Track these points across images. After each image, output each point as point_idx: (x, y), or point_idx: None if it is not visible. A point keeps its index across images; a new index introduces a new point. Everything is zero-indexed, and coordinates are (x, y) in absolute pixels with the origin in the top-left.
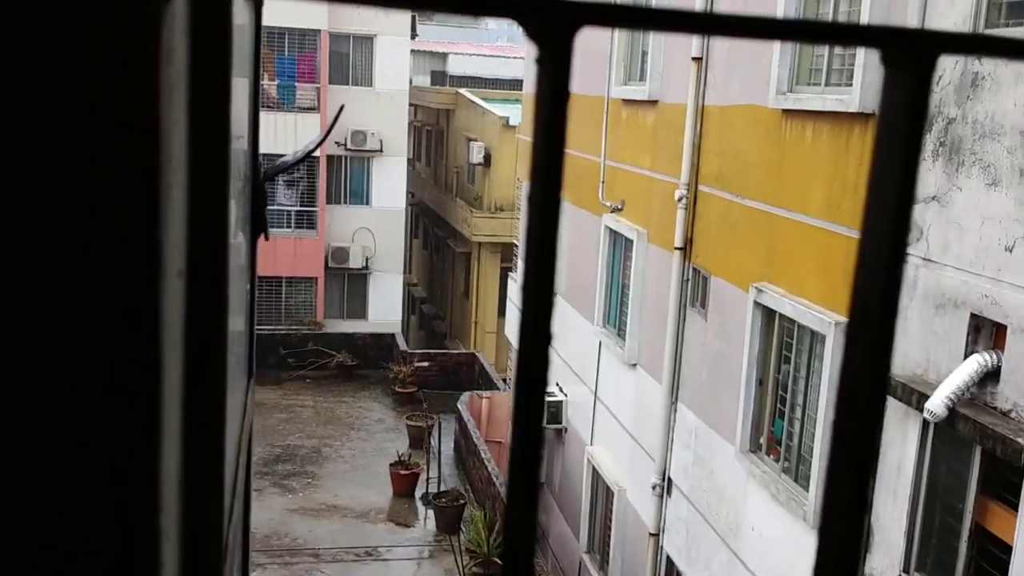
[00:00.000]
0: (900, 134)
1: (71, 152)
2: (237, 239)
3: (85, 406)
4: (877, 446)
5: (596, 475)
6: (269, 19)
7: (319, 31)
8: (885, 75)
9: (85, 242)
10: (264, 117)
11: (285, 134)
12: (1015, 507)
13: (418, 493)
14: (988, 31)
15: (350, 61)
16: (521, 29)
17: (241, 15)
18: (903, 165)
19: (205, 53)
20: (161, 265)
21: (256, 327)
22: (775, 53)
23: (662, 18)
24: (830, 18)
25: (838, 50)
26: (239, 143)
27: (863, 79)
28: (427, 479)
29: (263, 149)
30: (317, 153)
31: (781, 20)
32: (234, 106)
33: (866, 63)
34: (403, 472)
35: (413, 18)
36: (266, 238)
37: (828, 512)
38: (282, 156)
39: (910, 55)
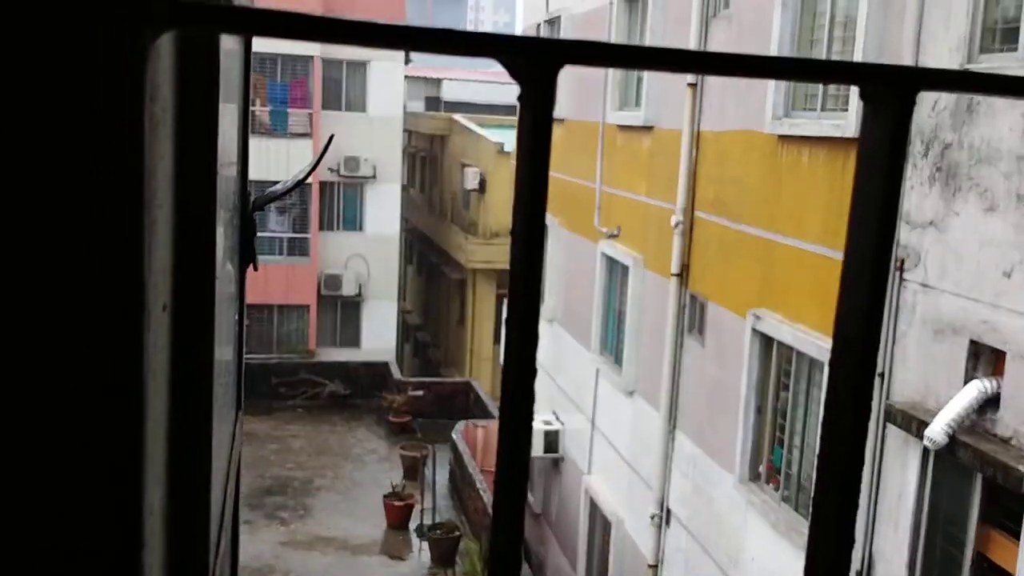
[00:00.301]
0: (880, 169)
1: (54, 188)
2: (225, 269)
3: (67, 440)
4: (861, 466)
5: (593, 505)
6: (262, 45)
7: (312, 57)
8: (865, 111)
9: (67, 277)
10: (256, 143)
11: (277, 160)
12: (1017, 536)
13: (412, 525)
14: (983, 55)
15: (343, 87)
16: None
17: (230, 41)
18: (883, 198)
19: (192, 89)
20: (144, 300)
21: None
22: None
23: (644, 56)
24: (825, 44)
25: None
26: (228, 171)
27: (859, 104)
28: (421, 510)
29: (255, 175)
30: (310, 180)
31: (761, 57)
32: (223, 134)
33: None
34: (397, 503)
35: None
36: (255, 268)
37: (816, 534)
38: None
39: (889, 91)
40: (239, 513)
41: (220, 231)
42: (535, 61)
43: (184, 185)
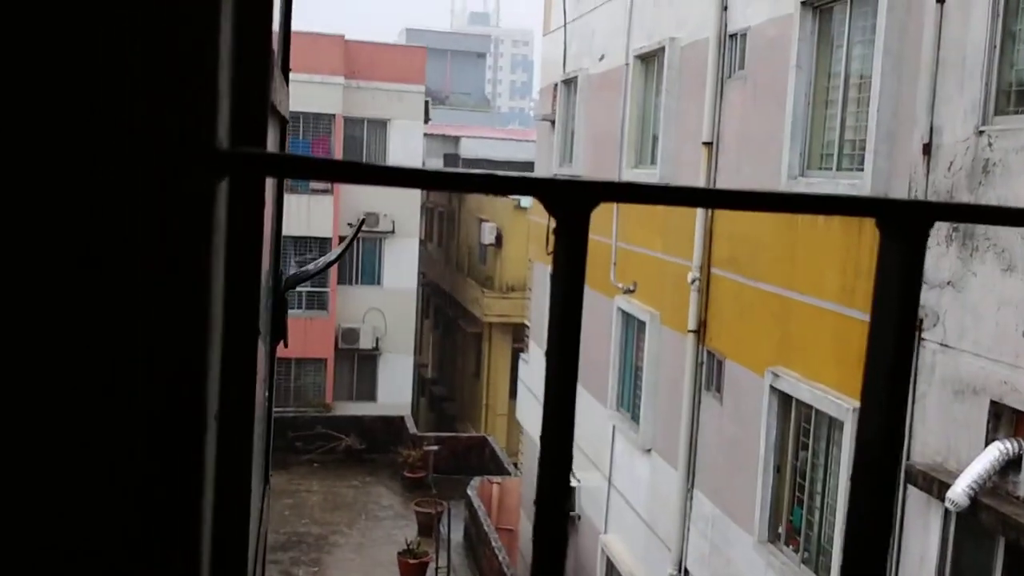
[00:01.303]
0: (895, 294)
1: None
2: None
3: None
4: (888, 537)
5: (610, 565)
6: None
7: (334, 115)
8: (880, 239)
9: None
10: None
11: (298, 216)
12: None
13: None
14: (998, 117)
15: (364, 144)
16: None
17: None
18: (898, 324)
19: (244, 221)
20: (206, 414)
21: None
22: (786, 138)
23: (670, 194)
24: (840, 105)
25: (848, 135)
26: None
27: (874, 164)
28: (436, 568)
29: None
30: (329, 234)
31: (780, 194)
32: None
33: (876, 148)
34: (411, 561)
35: (426, 103)
36: (285, 345)
37: None
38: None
39: (904, 223)
40: None
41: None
42: (571, 199)
43: (231, 305)
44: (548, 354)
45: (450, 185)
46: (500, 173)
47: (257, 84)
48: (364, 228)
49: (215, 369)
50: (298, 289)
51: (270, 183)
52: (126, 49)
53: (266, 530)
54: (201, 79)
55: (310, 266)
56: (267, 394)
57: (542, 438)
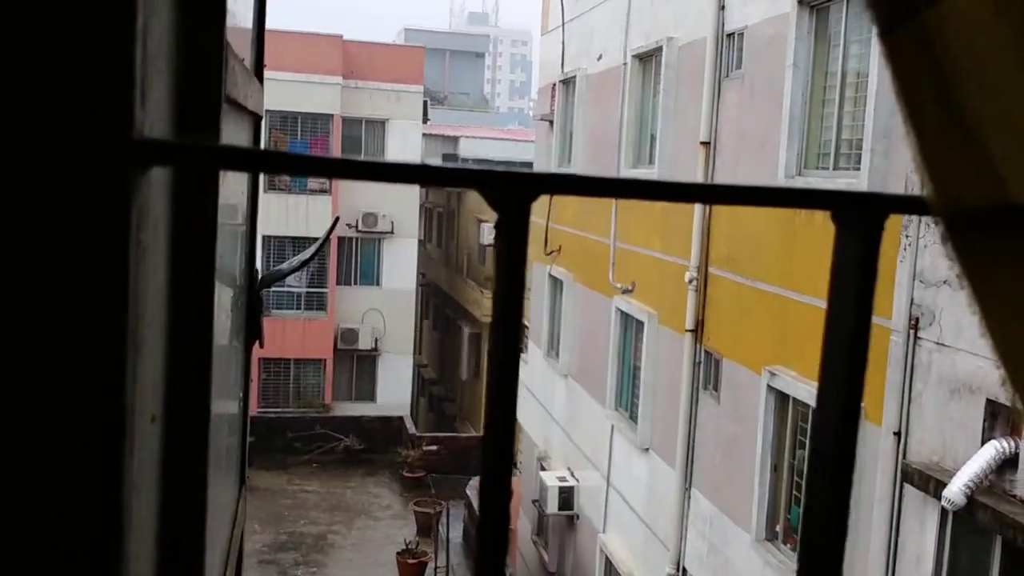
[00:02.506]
0: (851, 289)
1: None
2: (232, 348)
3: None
4: (846, 524)
5: (609, 564)
6: (282, 104)
7: (332, 115)
8: (837, 232)
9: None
10: (276, 200)
11: (296, 217)
12: None
13: None
14: None
15: (362, 144)
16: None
17: (241, 136)
18: (855, 317)
19: (188, 212)
20: (124, 416)
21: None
22: (783, 137)
23: (611, 187)
24: (837, 104)
25: (846, 134)
26: (230, 262)
27: (871, 162)
28: (435, 568)
29: (276, 231)
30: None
31: (735, 186)
32: (231, 214)
33: (873, 147)
34: (410, 561)
35: (425, 103)
36: (260, 345)
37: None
38: (293, 238)
39: (860, 216)
40: None
41: (229, 312)
42: (511, 191)
43: (180, 300)
44: (490, 352)
45: (384, 176)
46: (435, 164)
47: (208, 77)
48: (364, 228)
49: (152, 369)
50: (297, 290)
51: (238, 178)
52: (30, 37)
53: (242, 532)
54: (114, 68)
55: (284, 265)
56: (242, 394)
57: (484, 434)
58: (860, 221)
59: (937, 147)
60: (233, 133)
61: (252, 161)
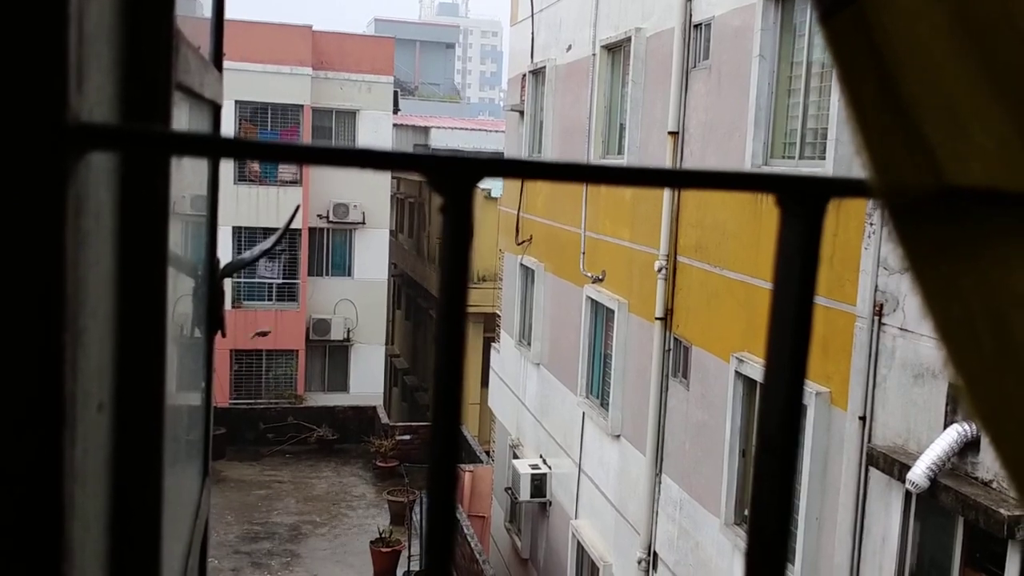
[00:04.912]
0: (795, 272)
1: None
2: (193, 338)
3: None
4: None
5: (581, 549)
6: (252, 95)
7: (302, 106)
8: (780, 217)
9: None
10: (247, 191)
11: (267, 207)
12: None
13: (400, 571)
14: None
15: (332, 135)
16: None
17: (199, 124)
18: (798, 300)
19: (136, 200)
20: (63, 404)
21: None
22: (750, 126)
23: (552, 171)
24: (802, 94)
25: (811, 123)
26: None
27: (836, 151)
28: (409, 556)
29: (247, 222)
30: (299, 225)
31: (677, 170)
32: (192, 205)
33: (838, 136)
34: (384, 550)
35: (395, 93)
36: (223, 335)
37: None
38: (265, 228)
39: (802, 199)
40: None
41: (189, 300)
42: (454, 175)
43: (128, 289)
44: (436, 337)
45: (327, 160)
46: (378, 148)
47: (155, 62)
48: (335, 219)
49: (96, 357)
50: (268, 281)
51: (196, 166)
52: None
53: (206, 523)
54: (45, 49)
55: (246, 254)
56: (204, 384)
57: (432, 419)
58: (803, 204)
59: (878, 131)
60: (189, 121)
61: (194, 146)
